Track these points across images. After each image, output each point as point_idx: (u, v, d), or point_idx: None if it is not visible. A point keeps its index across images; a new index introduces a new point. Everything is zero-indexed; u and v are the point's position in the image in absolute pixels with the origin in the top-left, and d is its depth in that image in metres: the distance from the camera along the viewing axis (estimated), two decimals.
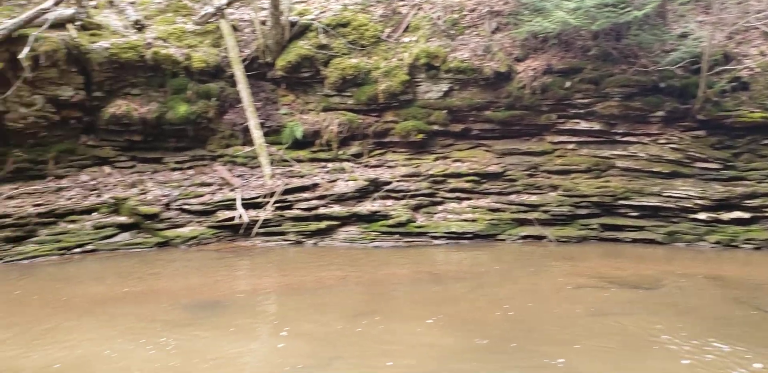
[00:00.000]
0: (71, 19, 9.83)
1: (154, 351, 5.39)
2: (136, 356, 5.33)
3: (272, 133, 10.41)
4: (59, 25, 9.63)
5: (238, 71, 10.23)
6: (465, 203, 9.91)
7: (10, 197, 9.05)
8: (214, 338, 5.72)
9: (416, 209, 9.79)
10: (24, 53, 8.97)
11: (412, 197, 9.84)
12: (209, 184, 9.76)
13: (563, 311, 6.35)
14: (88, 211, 9.11)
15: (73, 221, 8.93)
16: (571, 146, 10.36)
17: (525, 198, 9.90)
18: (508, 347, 5.34)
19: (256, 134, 10.00)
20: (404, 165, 10.30)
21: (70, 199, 9.24)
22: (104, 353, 5.38)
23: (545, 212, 9.68)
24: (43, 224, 8.78)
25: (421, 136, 10.36)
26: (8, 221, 8.59)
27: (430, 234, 9.42)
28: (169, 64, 10.12)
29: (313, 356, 5.26)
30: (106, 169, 9.93)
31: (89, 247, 8.64)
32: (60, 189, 9.41)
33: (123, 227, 9.03)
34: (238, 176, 9.99)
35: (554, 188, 9.94)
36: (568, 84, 10.01)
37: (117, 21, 10.56)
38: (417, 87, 10.52)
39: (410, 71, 10.38)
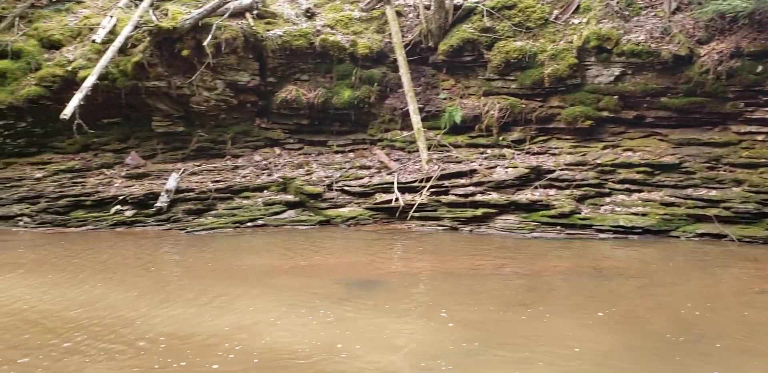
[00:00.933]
0: (249, 8, 10.47)
1: (315, 322, 5.59)
2: (298, 325, 5.56)
3: (431, 118, 10.40)
4: (238, 14, 10.31)
5: (400, 56, 10.31)
6: (635, 196, 9.22)
7: (194, 173, 9.92)
8: (369, 314, 5.82)
9: (581, 199, 9.28)
10: (208, 41, 9.71)
11: (577, 187, 9.34)
12: (368, 167, 9.99)
13: (744, 317, 5.69)
14: (260, 188, 9.72)
15: (246, 197, 9.60)
16: (760, 137, 9.25)
17: (703, 192, 9.01)
18: (677, 350, 4.88)
19: (415, 119, 10.03)
20: (569, 153, 9.81)
21: (244, 177, 9.93)
22: (269, 320, 5.67)
23: (726, 208, 8.74)
24: (221, 198, 9.52)
25: (589, 122, 9.80)
26: (192, 194, 9.44)
27: (595, 227, 8.87)
28: (336, 51, 10.44)
29: (469, 341, 5.16)
30: (277, 150, 10.55)
31: (260, 222, 9.22)
32: (236, 168, 10.15)
33: (289, 205, 9.52)
34: (396, 160, 10.11)
35: (738, 182, 8.94)
36: (760, 68, 8.95)
37: (289, 10, 11.09)
38: (586, 71, 9.96)
39: (579, 54, 9.84)
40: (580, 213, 9.05)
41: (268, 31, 10.36)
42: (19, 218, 9.25)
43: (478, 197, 9.28)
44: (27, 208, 9.34)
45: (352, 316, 5.79)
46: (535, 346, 5.04)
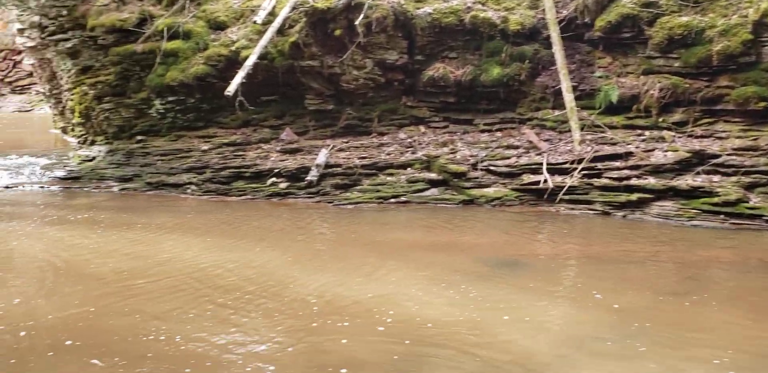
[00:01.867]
0: None
1: (458, 296, 5.61)
2: (438, 298, 5.62)
3: (584, 97, 9.92)
4: None
5: (554, 33, 9.89)
6: None
7: (342, 150, 10.24)
8: (513, 293, 5.76)
9: (749, 187, 8.46)
10: (359, 20, 9.90)
11: (746, 173, 8.50)
12: (516, 147, 9.74)
13: None
14: (404, 166, 9.83)
15: (390, 174, 9.74)
16: None
17: None
18: None
19: (568, 98, 9.61)
20: (738, 137, 8.94)
21: (389, 154, 10.09)
22: (410, 291, 5.78)
23: None
24: (366, 174, 9.74)
25: (763, 104, 8.86)
26: (339, 170, 9.75)
27: (765, 217, 8.08)
28: (486, 28, 10.22)
29: (616, 327, 4.95)
30: (422, 128, 10.59)
31: (403, 198, 9.32)
32: (381, 145, 10.33)
33: (433, 183, 9.53)
34: (546, 140, 9.78)
35: None
36: None
37: None
38: (762, 48, 8.98)
39: (755, 30, 8.88)
40: (748, 202, 8.26)
41: (418, 9, 10.36)
42: (188, 186, 10.08)
43: (633, 181, 8.76)
44: (194, 177, 10.14)
45: (494, 293, 5.76)
46: (685, 339, 4.72)
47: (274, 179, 9.87)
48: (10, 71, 24.23)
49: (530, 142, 9.79)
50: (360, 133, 10.72)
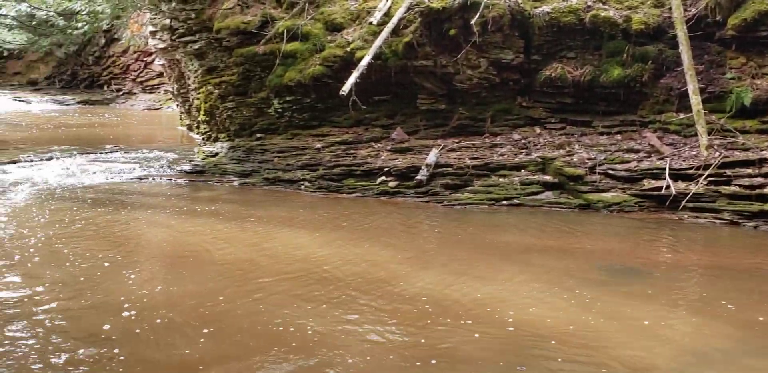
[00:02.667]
0: None
1: (573, 300, 5.44)
2: (551, 302, 5.48)
3: (713, 100, 9.31)
4: None
5: (681, 32, 9.35)
6: None
7: (453, 150, 10.20)
8: (629, 301, 5.52)
9: None
10: (475, 19, 9.82)
11: None
12: (636, 151, 9.31)
13: None
14: (517, 167, 9.64)
15: (503, 176, 9.59)
16: None
17: None
18: None
19: (695, 100, 9.06)
20: None
21: (502, 155, 9.94)
22: (522, 293, 5.68)
23: None
24: (477, 175, 9.63)
25: None
26: (449, 170, 9.71)
27: None
28: (607, 27, 9.85)
29: (749, 342, 4.62)
30: (537, 129, 10.35)
31: (515, 201, 9.13)
32: (494, 146, 10.20)
33: (547, 186, 9.29)
34: (669, 145, 9.28)
35: None
36: None
37: None
38: None
39: None
40: None
41: (535, 8, 10.14)
42: (301, 183, 10.41)
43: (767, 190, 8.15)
44: (308, 174, 10.47)
45: (610, 300, 5.55)
46: None
47: (383, 178, 10.00)
48: (141, 72, 26.07)
49: (652, 146, 9.33)
50: (472, 133, 10.63)
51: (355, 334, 4.87)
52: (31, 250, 6.90)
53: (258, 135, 11.82)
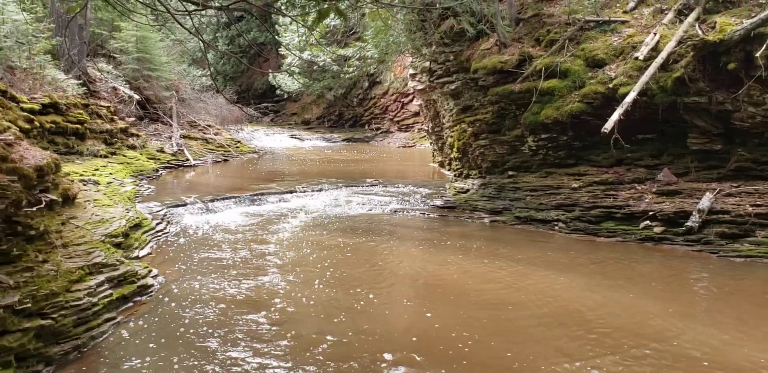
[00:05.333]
0: None
1: None
2: None
3: None
4: None
5: None
6: None
7: (730, 195, 9.11)
8: None
9: None
10: (760, 52, 8.76)
11: None
12: None
13: None
14: None
15: None
16: None
17: None
18: None
19: None
20: None
21: None
22: None
23: None
24: (761, 225, 8.45)
25: None
26: (726, 217, 8.67)
27: None
28: None
29: None
30: None
31: None
32: None
33: None
34: None
35: None
36: None
37: None
38: None
39: None
40: None
41: None
42: (555, 223, 10.12)
43: None
44: (562, 214, 10.14)
45: None
46: None
47: (647, 222, 9.27)
48: (398, 112, 27.93)
49: None
50: (754, 177, 9.40)
51: None
52: (304, 272, 7.62)
53: (510, 173, 11.81)
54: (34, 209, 6.67)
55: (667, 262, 8.15)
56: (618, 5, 11.58)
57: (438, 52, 13.29)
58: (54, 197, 7.46)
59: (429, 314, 6.16)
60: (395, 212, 11.91)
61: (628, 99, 9.50)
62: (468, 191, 12.45)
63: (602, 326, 5.76)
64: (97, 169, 12.69)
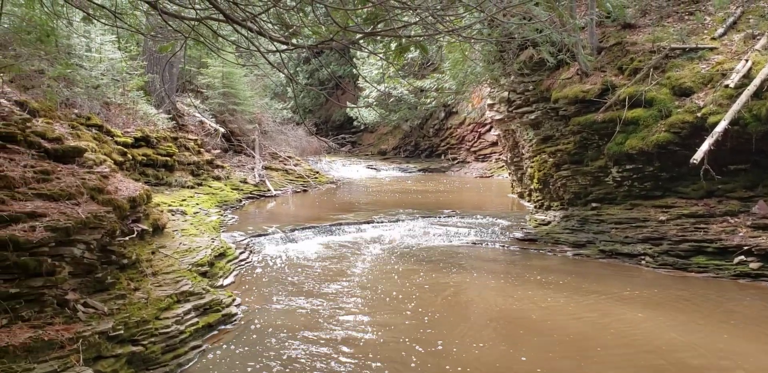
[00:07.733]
0: None
1: None
2: None
3: None
4: None
5: None
6: None
7: None
8: None
9: None
10: None
11: None
12: None
13: None
14: None
15: None
16: None
17: None
18: None
19: None
20: None
21: None
22: None
23: None
24: None
25: None
26: None
27: None
28: None
29: None
30: None
31: None
32: None
33: None
34: None
35: None
36: None
37: None
38: None
39: None
40: None
41: None
42: (642, 257, 9.71)
43: None
44: (650, 248, 9.72)
45: None
46: None
47: (742, 258, 8.76)
48: (475, 142, 27.83)
49: None
50: None
51: None
52: (383, 307, 7.61)
53: (593, 204, 11.47)
54: (127, 238, 7.02)
55: (764, 300, 7.64)
56: (705, 32, 11.21)
57: (517, 82, 13.22)
58: (145, 227, 7.83)
59: (524, 358, 5.99)
60: (474, 243, 11.76)
61: (719, 128, 9.11)
62: (549, 223, 12.16)
63: (701, 366, 5.43)
64: (184, 200, 13.23)
